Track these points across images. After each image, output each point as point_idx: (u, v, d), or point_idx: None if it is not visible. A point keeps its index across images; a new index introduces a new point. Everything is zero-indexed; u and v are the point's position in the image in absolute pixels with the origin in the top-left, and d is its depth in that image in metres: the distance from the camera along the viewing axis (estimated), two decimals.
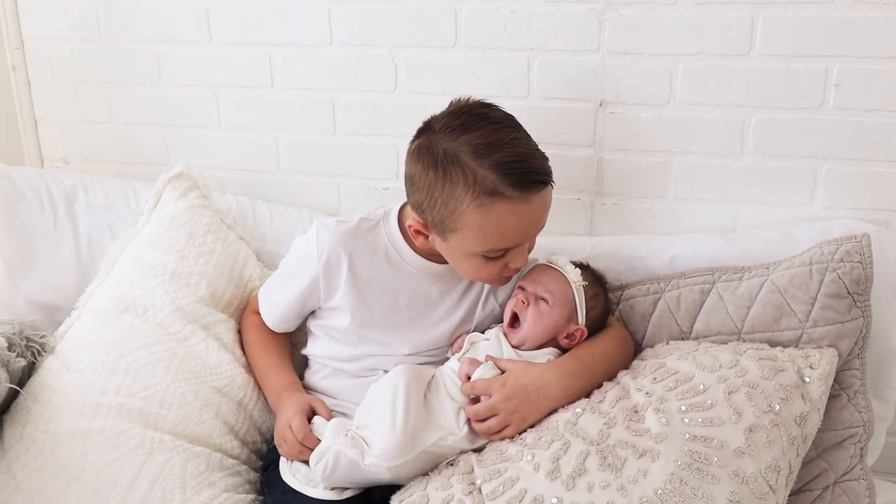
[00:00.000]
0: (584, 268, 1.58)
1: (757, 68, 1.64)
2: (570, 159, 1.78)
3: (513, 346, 1.50)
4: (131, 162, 2.07)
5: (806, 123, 1.66)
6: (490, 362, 1.46)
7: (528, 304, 1.50)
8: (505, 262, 1.45)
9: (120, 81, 2.02)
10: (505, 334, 1.52)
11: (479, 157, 1.37)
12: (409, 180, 1.46)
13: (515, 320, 1.52)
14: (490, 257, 1.44)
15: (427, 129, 1.45)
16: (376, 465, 1.37)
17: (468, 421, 1.43)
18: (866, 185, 1.67)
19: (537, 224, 1.45)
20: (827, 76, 1.62)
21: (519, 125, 1.45)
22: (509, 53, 1.75)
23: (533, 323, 1.49)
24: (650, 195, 1.78)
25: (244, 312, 1.72)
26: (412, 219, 1.48)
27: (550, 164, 1.44)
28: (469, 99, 1.47)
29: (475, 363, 1.46)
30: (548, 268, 1.54)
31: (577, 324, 1.50)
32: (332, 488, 1.42)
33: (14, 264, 1.80)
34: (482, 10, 1.74)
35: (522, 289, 1.53)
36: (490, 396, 1.42)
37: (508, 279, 1.53)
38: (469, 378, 1.45)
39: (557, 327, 1.50)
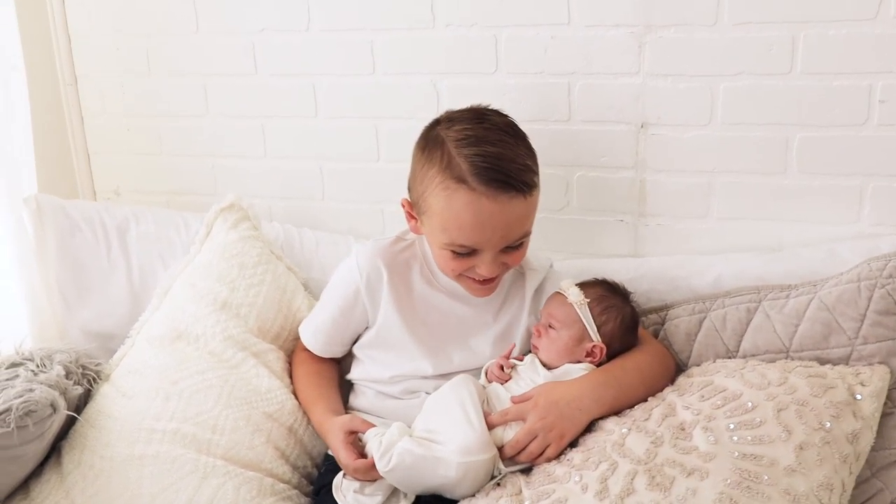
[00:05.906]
0: (599, 283, 1.58)
1: (799, 87, 1.64)
2: (612, 181, 1.78)
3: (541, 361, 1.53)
4: (181, 192, 2.11)
5: (851, 140, 1.65)
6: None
7: (541, 335, 1.53)
8: (471, 264, 1.47)
9: (169, 114, 2.06)
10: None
11: (461, 146, 1.42)
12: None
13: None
14: (456, 253, 1.46)
15: (435, 121, 1.52)
16: (447, 461, 1.36)
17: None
18: None
19: (501, 229, 1.44)
20: (871, 93, 1.61)
21: (518, 134, 1.48)
22: (550, 78, 1.77)
23: (547, 349, 1.53)
24: (693, 215, 1.78)
25: (294, 349, 1.73)
26: (404, 199, 1.54)
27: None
28: (489, 105, 1.52)
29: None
30: (557, 294, 1.56)
31: (592, 341, 1.51)
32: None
33: (69, 294, 1.84)
34: (522, 36, 1.76)
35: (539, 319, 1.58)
36: (525, 421, 1.42)
37: (480, 286, 1.53)
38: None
39: (570, 348, 1.51)
